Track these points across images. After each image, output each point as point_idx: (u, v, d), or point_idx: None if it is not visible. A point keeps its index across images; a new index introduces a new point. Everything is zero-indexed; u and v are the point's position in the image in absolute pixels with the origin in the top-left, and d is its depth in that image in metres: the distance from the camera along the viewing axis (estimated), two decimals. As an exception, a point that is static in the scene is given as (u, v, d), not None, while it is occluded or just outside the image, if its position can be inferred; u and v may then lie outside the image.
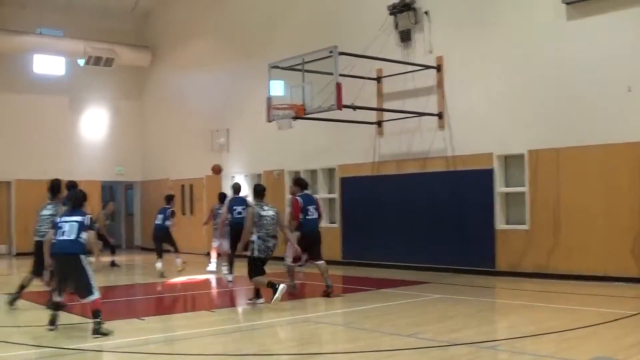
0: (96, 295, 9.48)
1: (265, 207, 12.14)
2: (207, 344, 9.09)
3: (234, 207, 16.04)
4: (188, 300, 14.35)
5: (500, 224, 16.15)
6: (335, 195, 19.97)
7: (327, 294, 13.11)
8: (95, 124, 28.17)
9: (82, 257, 9.53)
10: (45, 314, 9.92)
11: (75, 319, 10.92)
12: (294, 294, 13.40)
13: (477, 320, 10.63)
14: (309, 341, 9.38)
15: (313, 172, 20.63)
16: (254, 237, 11.95)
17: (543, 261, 15.29)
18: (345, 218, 19.63)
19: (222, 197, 17.77)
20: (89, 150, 27.72)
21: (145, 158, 28.86)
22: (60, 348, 8.73)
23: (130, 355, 8.31)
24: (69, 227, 9.61)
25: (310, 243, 13.37)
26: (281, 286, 11.66)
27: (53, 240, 9.68)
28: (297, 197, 13.60)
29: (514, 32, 16.03)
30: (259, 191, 12.57)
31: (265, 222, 11.94)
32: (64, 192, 12.35)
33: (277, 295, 11.49)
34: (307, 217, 13.41)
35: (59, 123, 26.97)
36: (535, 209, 15.49)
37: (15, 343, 9.06)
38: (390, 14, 18.09)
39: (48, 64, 26.92)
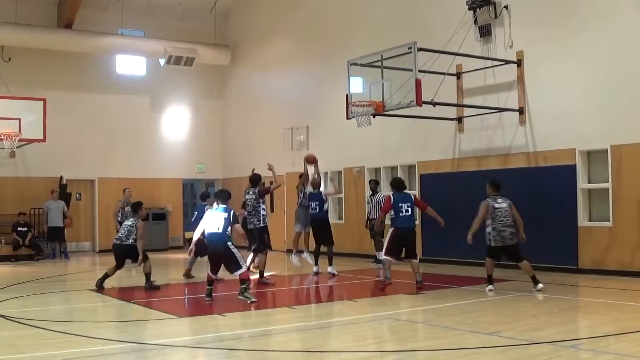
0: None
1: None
2: (287, 341, 9.19)
3: (310, 202, 16.28)
4: (269, 296, 14.50)
5: (583, 221, 15.88)
6: (415, 192, 19.90)
7: (419, 288, 13.44)
8: (176, 122, 28.67)
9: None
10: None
11: (155, 314, 11.18)
12: (383, 288, 13.51)
13: (559, 318, 10.49)
14: (388, 339, 9.40)
15: (393, 169, 20.60)
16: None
17: (627, 259, 14.98)
18: (425, 215, 19.51)
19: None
20: (171, 148, 28.24)
21: (226, 156, 29.20)
22: (141, 343, 8.95)
23: (209, 351, 8.46)
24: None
25: (401, 240, 13.62)
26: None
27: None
28: (391, 195, 13.94)
29: (595, 25, 15.72)
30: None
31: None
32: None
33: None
34: (400, 214, 13.59)
35: (141, 122, 27.54)
36: (618, 206, 15.18)
37: (98, 338, 9.30)
38: (470, 9, 17.94)
39: (130, 64, 27.53)
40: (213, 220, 12.07)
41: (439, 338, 9.13)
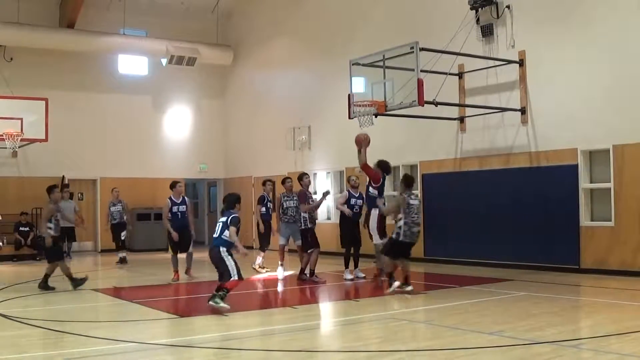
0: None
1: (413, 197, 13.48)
2: (288, 341, 9.18)
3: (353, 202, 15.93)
4: (272, 296, 14.50)
5: (585, 221, 15.86)
6: (417, 192, 19.88)
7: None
8: (178, 122, 28.76)
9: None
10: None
11: (157, 314, 11.19)
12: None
13: (560, 318, 10.47)
14: (390, 338, 9.39)
15: (395, 169, 20.57)
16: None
17: (629, 258, 14.97)
18: (427, 215, 19.52)
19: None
20: (172, 148, 28.30)
21: (228, 156, 29.23)
22: (142, 343, 8.95)
23: (211, 351, 8.46)
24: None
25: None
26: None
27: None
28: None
29: (598, 24, 15.70)
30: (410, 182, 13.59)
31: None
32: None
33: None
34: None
35: (143, 122, 27.62)
36: (620, 205, 15.16)
37: (99, 338, 9.30)
38: (472, 9, 17.93)
39: (132, 64, 27.59)
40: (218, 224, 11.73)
41: (441, 338, 9.12)
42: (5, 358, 8.15)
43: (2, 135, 21.45)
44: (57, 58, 25.41)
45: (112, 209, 20.95)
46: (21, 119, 21.77)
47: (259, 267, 17.78)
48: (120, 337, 9.33)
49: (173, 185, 16.48)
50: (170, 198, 16.25)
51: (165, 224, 16.21)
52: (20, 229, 23.04)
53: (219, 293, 11.14)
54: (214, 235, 11.43)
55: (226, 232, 11.27)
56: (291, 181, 16.70)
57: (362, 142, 15.10)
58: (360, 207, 15.86)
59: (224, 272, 11.25)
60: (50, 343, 9.04)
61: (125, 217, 21.10)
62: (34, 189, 23.64)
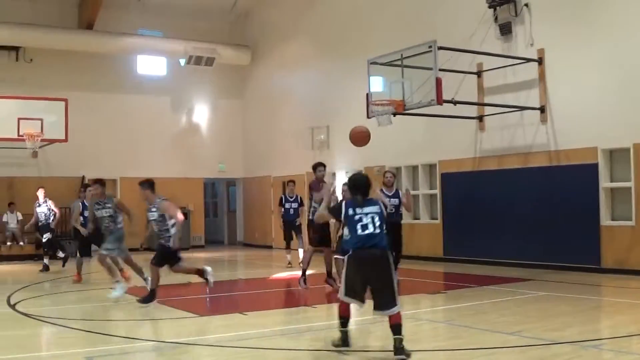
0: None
1: None
2: (305, 340, 9.17)
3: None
4: (290, 295, 14.50)
5: (605, 220, 15.76)
6: (436, 191, 19.86)
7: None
8: (196, 122, 28.89)
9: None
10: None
11: (177, 313, 11.22)
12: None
13: (581, 318, 10.42)
14: (409, 338, 9.34)
15: (414, 168, 20.60)
16: None
17: (651, 258, 14.89)
18: (446, 214, 19.51)
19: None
20: (191, 148, 28.34)
21: (247, 155, 29.28)
22: (162, 341, 9.00)
23: (231, 350, 8.47)
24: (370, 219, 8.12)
25: None
26: None
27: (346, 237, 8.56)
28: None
29: (617, 22, 15.59)
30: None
31: None
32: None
33: None
34: None
35: (162, 122, 27.73)
36: (641, 205, 15.08)
37: (119, 336, 9.33)
38: (490, 7, 17.85)
39: (150, 65, 27.72)
40: None
41: (460, 337, 9.09)
42: (26, 356, 8.22)
43: (22, 136, 21.57)
44: (76, 59, 25.54)
45: (38, 210, 19.73)
46: (41, 120, 21.87)
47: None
48: (140, 336, 9.37)
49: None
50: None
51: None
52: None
53: (401, 347, 7.75)
54: (371, 231, 8.02)
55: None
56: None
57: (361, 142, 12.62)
58: (397, 207, 14.20)
59: (386, 294, 7.99)
60: (71, 341, 9.08)
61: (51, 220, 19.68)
62: (55, 189, 23.76)
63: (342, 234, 10.30)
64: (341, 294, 8.24)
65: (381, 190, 14.18)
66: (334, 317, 8.73)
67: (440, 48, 14.90)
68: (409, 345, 7.72)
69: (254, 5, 28.59)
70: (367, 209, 8.11)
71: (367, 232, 8.00)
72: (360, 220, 8.04)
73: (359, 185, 8.31)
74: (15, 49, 25.02)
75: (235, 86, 29.51)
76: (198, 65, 26.92)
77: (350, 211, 8.13)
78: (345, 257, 8.19)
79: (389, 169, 17.09)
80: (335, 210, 8.63)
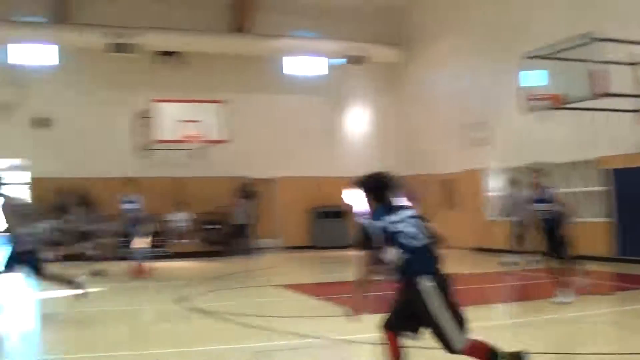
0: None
1: None
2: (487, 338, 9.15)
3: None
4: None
5: None
6: (600, 188, 19.11)
7: None
8: (353, 121, 29.21)
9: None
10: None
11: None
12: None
13: None
14: (572, 340, 9.18)
15: (576, 164, 19.90)
16: None
17: None
18: (620, 212, 18.67)
19: None
20: (349, 147, 28.66)
21: (404, 153, 29.13)
22: (327, 338, 9.13)
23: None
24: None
25: None
26: None
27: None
28: None
29: None
30: None
31: None
32: None
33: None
34: None
35: (319, 122, 28.13)
36: None
37: (285, 332, 9.60)
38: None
39: (305, 66, 28.18)
40: None
41: (624, 341, 8.85)
42: (197, 350, 8.67)
43: (183, 138, 22.49)
44: (232, 61, 26.35)
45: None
46: (201, 121, 22.78)
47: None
48: (304, 332, 9.63)
49: None
50: None
51: None
52: (208, 226, 24.09)
53: None
54: (419, 243, 6.36)
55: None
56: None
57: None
58: (550, 210, 11.98)
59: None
60: (238, 336, 9.48)
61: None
62: (215, 188, 24.59)
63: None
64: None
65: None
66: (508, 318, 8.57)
67: (599, 39, 14.38)
68: (568, 348, 7.54)
69: (407, 4, 28.51)
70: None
71: None
72: None
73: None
74: (169, 54, 26.07)
75: (390, 84, 29.44)
76: (352, 64, 27.19)
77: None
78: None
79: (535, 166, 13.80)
80: None
